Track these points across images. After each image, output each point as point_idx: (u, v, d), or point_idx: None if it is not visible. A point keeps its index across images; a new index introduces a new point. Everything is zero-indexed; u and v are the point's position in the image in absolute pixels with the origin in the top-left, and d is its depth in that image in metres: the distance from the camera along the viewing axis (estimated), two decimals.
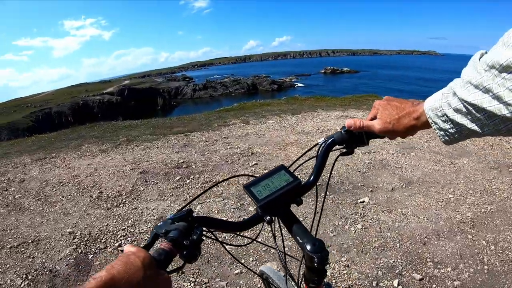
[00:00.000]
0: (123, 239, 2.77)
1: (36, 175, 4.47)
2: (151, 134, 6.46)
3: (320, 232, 2.57)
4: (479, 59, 0.45)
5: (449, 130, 0.51)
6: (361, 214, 2.84)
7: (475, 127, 0.46)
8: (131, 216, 3.13)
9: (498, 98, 0.40)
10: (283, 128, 5.96)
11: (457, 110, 0.47)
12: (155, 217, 3.10)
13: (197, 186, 3.72)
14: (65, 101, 50.95)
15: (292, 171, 0.72)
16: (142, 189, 3.75)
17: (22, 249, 2.71)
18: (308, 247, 0.59)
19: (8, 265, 2.52)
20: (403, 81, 54.50)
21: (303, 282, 0.72)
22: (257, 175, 0.71)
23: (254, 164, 4.10)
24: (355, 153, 4.32)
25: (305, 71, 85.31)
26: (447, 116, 0.49)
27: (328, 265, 0.76)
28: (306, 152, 0.78)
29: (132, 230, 2.91)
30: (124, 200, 3.50)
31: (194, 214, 0.58)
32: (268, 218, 0.63)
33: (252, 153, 4.49)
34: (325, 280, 0.69)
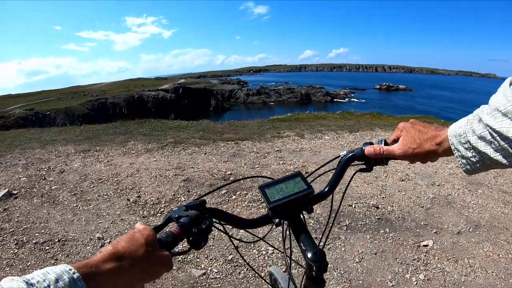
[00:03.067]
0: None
1: (76, 168, 5.00)
2: (200, 138, 6.82)
3: (378, 279, 2.65)
4: (510, 86, 0.50)
5: (471, 159, 0.56)
6: (424, 261, 2.88)
7: (499, 157, 0.51)
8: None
9: None
10: (340, 147, 6.08)
11: (481, 138, 0.53)
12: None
13: (243, 205, 3.74)
14: (121, 93, 59.11)
15: (310, 180, 0.85)
16: (183, 199, 3.88)
17: (47, 248, 2.98)
18: (309, 256, 0.69)
19: (29, 263, 2.79)
20: (460, 103, 63.31)
21: None
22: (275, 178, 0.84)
23: None
24: (418, 184, 4.27)
25: (360, 85, 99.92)
26: (470, 144, 0.55)
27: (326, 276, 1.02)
28: (327, 163, 0.92)
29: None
30: (162, 210, 3.65)
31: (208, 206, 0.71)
32: (277, 220, 0.76)
33: (307, 172, 4.53)
34: None
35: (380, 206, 3.81)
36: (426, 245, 3.08)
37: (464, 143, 0.56)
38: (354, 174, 0.89)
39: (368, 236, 3.18)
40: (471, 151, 0.55)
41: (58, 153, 5.77)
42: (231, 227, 0.84)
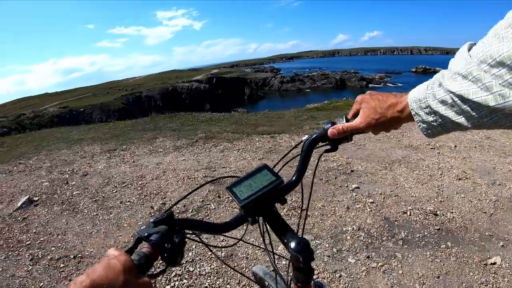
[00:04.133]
0: (177, 279, 2.60)
1: (100, 170, 4.91)
2: (232, 131, 6.56)
3: None
4: (468, 51, 0.54)
5: (432, 123, 0.61)
6: (492, 284, 2.50)
7: (460, 119, 0.55)
8: (194, 247, 2.97)
9: (487, 88, 0.48)
10: (386, 139, 5.68)
11: (442, 102, 0.57)
12: (223, 254, 2.86)
13: (282, 213, 3.38)
14: (155, 86, 61.52)
15: (277, 170, 0.87)
16: (213, 207, 3.60)
17: (61, 265, 2.82)
18: (293, 247, 0.72)
19: (41, 283, 2.64)
20: None
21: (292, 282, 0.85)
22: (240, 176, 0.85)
23: (355, 188, 3.83)
24: (478, 184, 3.90)
25: (395, 68, 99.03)
26: (430, 108, 0.59)
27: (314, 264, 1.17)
28: (291, 150, 1.01)
29: (191, 269, 2.70)
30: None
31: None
32: (251, 218, 0.78)
33: (352, 171, 4.34)
34: (317, 279, 0.97)
35: (438, 212, 3.32)
36: (494, 263, 2.72)
37: (425, 108, 0.60)
38: (320, 156, 0.94)
39: (428, 253, 2.78)
40: (432, 115, 0.60)
41: (83, 154, 5.76)
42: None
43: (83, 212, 3.70)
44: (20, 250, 3.16)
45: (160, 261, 0.62)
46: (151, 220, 0.67)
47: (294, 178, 0.89)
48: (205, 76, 71.21)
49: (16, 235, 3.46)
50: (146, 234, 0.63)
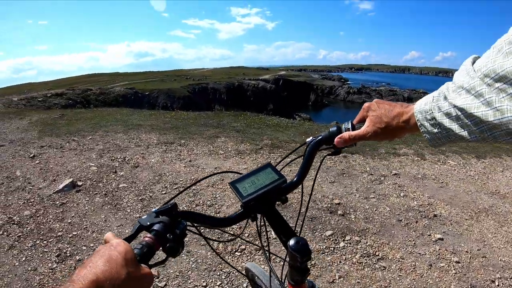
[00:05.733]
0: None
1: (153, 163, 4.73)
2: (302, 143, 6.17)
3: None
4: (472, 64, 0.58)
5: (437, 135, 0.65)
6: None
7: (463, 133, 0.59)
8: (246, 283, 2.57)
9: (488, 103, 0.52)
10: (470, 180, 5.09)
11: (446, 114, 0.61)
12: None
13: (353, 260, 2.95)
14: (222, 79, 63.98)
15: (279, 169, 0.94)
16: (274, 236, 3.18)
17: None
18: (291, 245, 0.78)
19: None
20: None
21: (287, 280, 0.92)
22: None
23: (439, 239, 3.39)
24: None
25: None
26: (435, 120, 0.64)
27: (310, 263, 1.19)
28: (294, 150, 1.04)
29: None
30: (244, 247, 3.00)
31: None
32: (252, 215, 0.84)
33: (434, 215, 3.93)
34: (309, 278, 0.94)
35: None
36: None
37: (430, 120, 0.65)
38: (323, 159, 1.01)
39: None
40: (437, 127, 0.64)
41: (138, 142, 5.67)
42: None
43: (125, 211, 3.48)
44: (50, 240, 3.01)
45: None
46: (154, 210, 0.70)
47: (296, 178, 0.92)
48: (272, 76, 73.73)
49: (49, 221, 3.33)
50: (148, 223, 0.66)
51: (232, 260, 2.88)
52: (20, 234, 3.14)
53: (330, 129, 0.86)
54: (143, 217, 0.68)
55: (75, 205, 3.60)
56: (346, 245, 3.12)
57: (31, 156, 5.16)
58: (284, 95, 64.22)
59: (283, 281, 0.96)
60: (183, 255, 2.87)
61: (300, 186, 0.96)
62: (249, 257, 2.91)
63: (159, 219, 0.66)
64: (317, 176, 1.15)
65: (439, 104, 0.62)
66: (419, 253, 3.08)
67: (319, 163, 1.04)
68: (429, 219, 3.73)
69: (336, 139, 0.83)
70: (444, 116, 0.61)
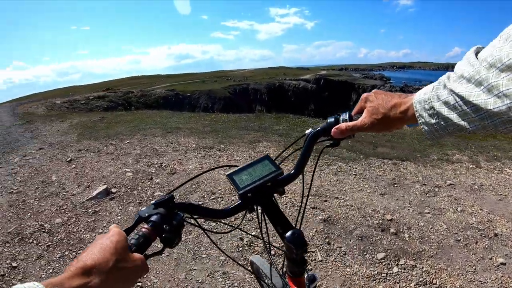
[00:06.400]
0: None
1: (191, 170, 4.56)
2: (348, 149, 5.82)
3: None
4: (475, 55, 0.57)
5: (435, 125, 0.65)
6: None
7: (462, 122, 0.59)
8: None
9: (488, 91, 0.52)
10: None
11: (445, 103, 0.60)
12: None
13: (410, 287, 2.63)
14: (262, 80, 64.62)
15: (279, 162, 0.96)
16: (320, 259, 2.88)
17: None
18: (287, 237, 0.81)
19: None
20: None
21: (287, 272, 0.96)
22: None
23: (501, 264, 3.01)
24: None
25: None
26: (434, 109, 0.63)
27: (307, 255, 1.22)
28: (293, 143, 1.06)
29: None
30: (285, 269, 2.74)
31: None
32: (249, 206, 0.87)
33: (495, 234, 3.55)
34: (310, 271, 1.06)
35: None
36: None
37: (428, 109, 0.64)
38: (322, 151, 1.02)
39: None
40: (435, 117, 0.63)
41: (176, 146, 5.55)
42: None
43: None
44: (78, 252, 2.91)
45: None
46: (152, 201, 0.74)
47: (294, 170, 0.93)
48: (313, 76, 74.02)
49: (80, 230, 3.24)
50: (146, 215, 0.70)
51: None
52: (49, 243, 3.07)
53: (328, 120, 0.86)
54: (142, 209, 0.71)
55: (107, 214, 3.48)
56: (399, 270, 2.79)
57: (68, 160, 5.18)
58: (325, 95, 64.39)
59: (283, 273, 1.00)
60: (218, 278, 2.64)
61: (301, 178, 0.98)
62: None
63: (157, 211, 0.70)
64: (316, 167, 1.21)
65: (438, 93, 0.62)
66: (480, 280, 2.74)
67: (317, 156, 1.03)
68: (489, 239, 3.36)
69: (333, 130, 0.83)
70: (443, 104, 0.61)
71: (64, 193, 4.01)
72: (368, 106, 0.77)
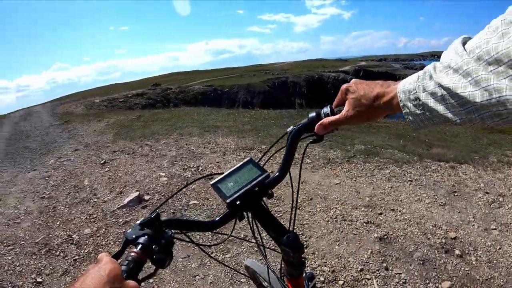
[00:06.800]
0: None
1: None
2: (399, 149, 5.36)
3: None
4: (463, 45, 0.55)
5: (420, 116, 0.62)
6: None
7: (448, 114, 0.57)
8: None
9: (476, 83, 0.50)
10: None
11: (431, 94, 0.58)
12: None
13: None
14: (301, 73, 64.74)
15: (263, 164, 0.93)
16: (376, 287, 2.48)
17: None
18: (283, 242, 0.80)
19: None
20: None
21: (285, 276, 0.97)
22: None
23: None
24: None
25: None
26: (419, 100, 0.61)
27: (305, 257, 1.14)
28: (276, 142, 0.99)
29: None
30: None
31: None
32: (239, 214, 0.83)
33: None
34: (308, 270, 1.25)
35: None
36: None
37: (413, 100, 0.62)
38: (306, 147, 0.95)
39: None
40: (420, 108, 0.61)
41: (214, 147, 5.26)
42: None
43: (194, 237, 3.01)
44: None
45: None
46: (138, 222, 0.72)
47: (279, 172, 0.91)
48: (352, 67, 73.49)
49: (109, 243, 3.07)
50: (133, 237, 0.68)
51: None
52: (76, 257, 2.91)
53: (309, 115, 0.84)
54: (128, 231, 0.70)
55: None
56: None
57: (101, 162, 5.04)
58: None
59: (281, 276, 1.00)
60: None
61: (293, 178, 0.97)
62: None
63: (144, 232, 0.68)
64: (302, 165, 1.12)
65: (424, 84, 0.59)
66: None
67: (303, 153, 0.98)
68: None
69: (316, 126, 0.80)
70: (429, 96, 0.58)
71: (95, 200, 3.83)
72: (349, 98, 0.74)
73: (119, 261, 0.62)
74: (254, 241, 0.92)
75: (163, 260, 0.66)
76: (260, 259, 2.51)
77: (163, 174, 4.28)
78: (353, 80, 0.77)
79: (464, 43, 0.55)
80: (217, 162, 4.63)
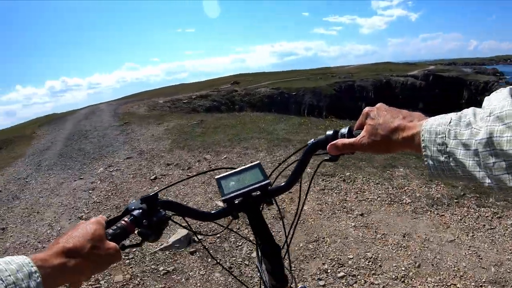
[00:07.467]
0: None
1: (305, 214, 3.32)
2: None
3: None
4: (511, 94, 0.47)
5: (442, 164, 0.54)
6: None
7: (477, 174, 0.49)
8: None
9: None
10: None
11: (464, 145, 0.50)
12: None
13: None
14: (368, 76, 60.86)
15: (277, 173, 0.95)
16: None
17: None
18: (264, 251, 0.84)
19: None
20: None
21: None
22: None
23: None
24: None
25: None
26: (446, 146, 0.53)
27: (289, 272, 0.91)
28: (295, 152, 0.99)
29: None
30: None
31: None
32: (234, 213, 0.84)
33: None
34: (301, 285, 1.09)
35: None
36: None
37: (439, 144, 0.54)
38: (319, 165, 0.93)
39: None
40: (445, 156, 0.53)
41: (287, 170, 4.32)
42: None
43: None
44: None
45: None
46: (141, 197, 0.75)
47: (285, 184, 0.88)
48: (421, 72, 67.67)
49: None
50: (132, 208, 0.72)
51: None
52: None
53: (327, 133, 0.80)
54: (132, 201, 0.74)
55: (183, 279, 2.45)
56: None
57: (152, 178, 4.33)
58: (435, 93, 59.56)
59: (266, 283, 0.98)
60: None
61: (299, 192, 0.97)
62: None
63: (141, 206, 0.72)
64: (311, 183, 0.97)
65: (457, 130, 0.51)
66: None
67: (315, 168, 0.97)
68: None
69: (329, 145, 0.75)
70: (460, 146, 0.50)
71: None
72: (368, 124, 0.67)
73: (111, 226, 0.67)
74: (252, 241, 1.01)
75: (146, 234, 0.69)
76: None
77: (222, 205, 3.43)
78: (378, 104, 0.71)
79: None
80: (290, 192, 3.69)
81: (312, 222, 3.14)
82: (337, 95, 47.89)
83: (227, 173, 0.88)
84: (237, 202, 0.82)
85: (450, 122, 0.53)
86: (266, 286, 0.96)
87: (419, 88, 60.39)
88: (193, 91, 22.05)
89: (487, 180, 0.47)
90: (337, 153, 0.75)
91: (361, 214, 3.26)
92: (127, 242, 0.67)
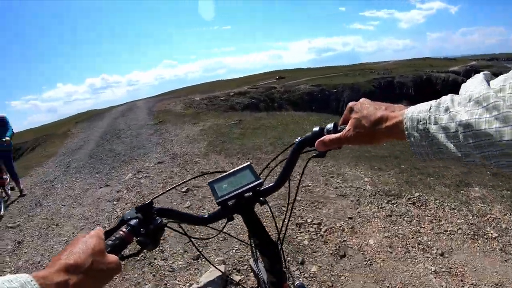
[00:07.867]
0: None
1: (370, 251, 2.62)
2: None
3: None
4: (485, 80, 0.51)
5: (426, 148, 0.56)
6: None
7: (459, 153, 0.51)
8: None
9: (505, 119, 0.43)
10: None
11: (444, 129, 0.52)
12: None
13: None
14: (407, 72, 60.59)
15: (267, 172, 0.99)
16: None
17: None
18: (262, 249, 0.85)
19: None
20: None
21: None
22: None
23: None
24: None
25: None
26: (428, 132, 0.55)
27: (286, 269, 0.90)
28: (282, 151, 0.97)
29: None
30: None
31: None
32: (229, 215, 0.85)
33: None
34: (298, 282, 1.03)
35: None
36: None
37: (422, 130, 0.56)
38: (307, 162, 0.94)
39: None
40: (427, 140, 0.55)
41: (342, 186, 3.69)
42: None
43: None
44: None
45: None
46: (135, 206, 0.77)
47: (275, 182, 0.88)
48: (462, 67, 68.03)
49: None
50: (128, 217, 0.72)
51: None
52: None
53: (313, 130, 0.81)
54: (127, 212, 0.74)
55: None
56: None
57: (184, 190, 3.75)
58: None
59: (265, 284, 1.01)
60: None
61: (288, 190, 0.96)
62: None
63: (137, 215, 0.72)
64: (301, 179, 1.02)
65: (437, 116, 0.53)
66: None
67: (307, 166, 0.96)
68: None
69: (316, 142, 0.76)
70: (441, 130, 0.52)
71: (160, 263, 2.51)
72: (352, 117, 0.69)
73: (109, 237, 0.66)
74: (247, 243, 0.97)
75: (145, 243, 0.70)
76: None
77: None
78: (362, 99, 0.72)
79: (487, 80, 0.50)
80: (350, 218, 3.01)
81: (382, 264, 2.46)
82: (376, 91, 47.09)
83: (218, 176, 0.88)
84: (230, 204, 0.82)
85: (430, 109, 0.55)
86: (264, 285, 1.00)
87: (461, 84, 59.47)
88: (231, 88, 21.59)
89: (469, 159, 0.49)
90: (325, 149, 0.76)
91: (441, 254, 2.55)
92: (125, 252, 0.66)
